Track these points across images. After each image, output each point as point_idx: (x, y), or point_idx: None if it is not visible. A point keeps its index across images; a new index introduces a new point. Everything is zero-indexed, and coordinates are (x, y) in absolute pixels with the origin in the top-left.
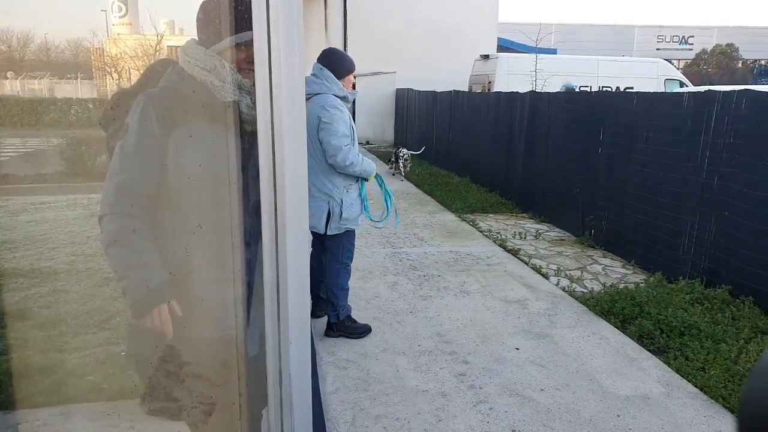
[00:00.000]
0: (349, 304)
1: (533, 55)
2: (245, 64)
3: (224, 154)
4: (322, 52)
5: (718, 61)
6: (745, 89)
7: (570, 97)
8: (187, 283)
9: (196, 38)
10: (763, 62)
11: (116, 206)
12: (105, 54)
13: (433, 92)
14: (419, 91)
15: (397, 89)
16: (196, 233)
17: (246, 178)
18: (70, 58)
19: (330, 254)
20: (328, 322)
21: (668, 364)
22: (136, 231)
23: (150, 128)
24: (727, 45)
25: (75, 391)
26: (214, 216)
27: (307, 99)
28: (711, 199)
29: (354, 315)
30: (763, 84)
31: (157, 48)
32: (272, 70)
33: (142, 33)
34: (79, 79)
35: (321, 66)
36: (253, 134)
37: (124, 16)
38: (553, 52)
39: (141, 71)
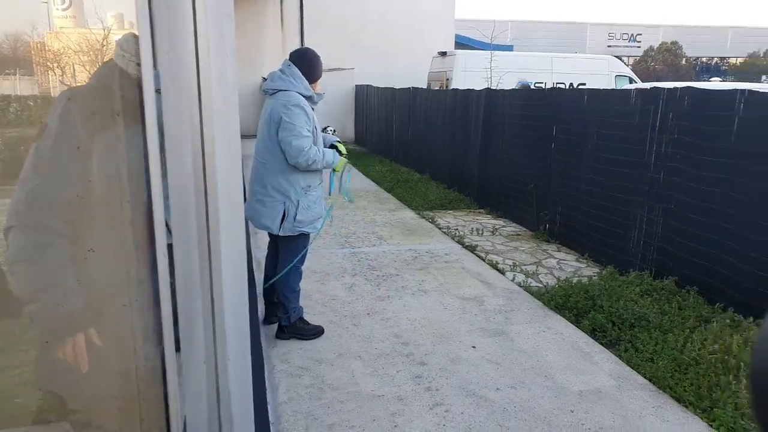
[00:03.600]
0: (301, 306)
1: (489, 52)
2: None
3: (117, 165)
4: (297, 50)
5: (664, 58)
6: (687, 86)
7: (524, 94)
8: (106, 308)
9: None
10: (704, 60)
11: (27, 217)
12: (46, 49)
13: (392, 89)
14: (378, 88)
15: (356, 85)
16: (130, 249)
17: (144, 191)
18: (9, 52)
19: (282, 255)
20: (279, 325)
21: (619, 356)
22: (49, 246)
23: (72, 130)
24: (672, 43)
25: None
26: (146, 230)
27: (270, 95)
28: (658, 193)
29: (310, 319)
30: (705, 80)
31: (104, 43)
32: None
33: (87, 27)
34: (18, 75)
35: (290, 63)
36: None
37: (67, 8)
38: (509, 48)
39: (87, 67)
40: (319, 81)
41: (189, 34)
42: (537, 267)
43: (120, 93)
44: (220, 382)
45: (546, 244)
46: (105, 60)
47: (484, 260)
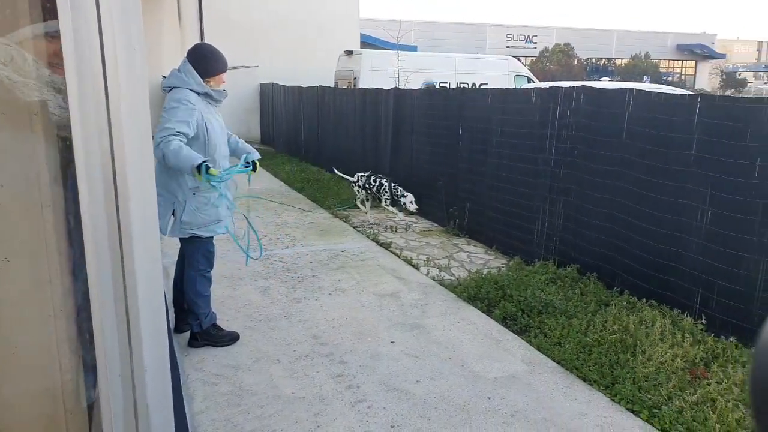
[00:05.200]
0: (214, 311)
1: (396, 52)
2: (58, 59)
3: (33, 168)
4: (192, 45)
5: (559, 58)
6: (582, 85)
7: (431, 93)
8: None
9: None
10: (593, 60)
11: None
12: None
13: (299, 87)
14: (284, 87)
15: (261, 84)
16: (1, 267)
17: (67, 195)
18: None
19: (186, 260)
20: (192, 333)
21: (530, 342)
22: None
23: None
24: (565, 44)
25: None
26: (25, 246)
27: (167, 92)
28: (558, 187)
29: (224, 325)
30: (596, 80)
31: None
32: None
33: None
34: None
35: (185, 60)
36: (70, 140)
37: None
38: (413, 48)
39: None
40: (221, 77)
41: (93, 26)
42: (449, 261)
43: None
44: (137, 394)
45: (456, 238)
46: None
47: (399, 257)
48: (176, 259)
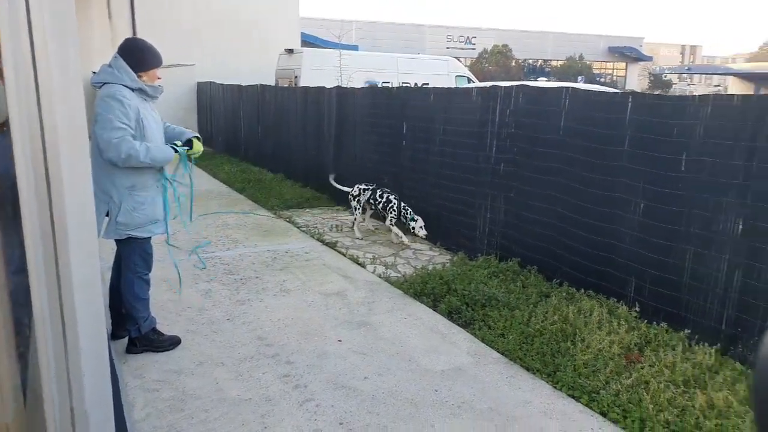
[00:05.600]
0: (153, 316)
1: (337, 51)
2: None
3: None
4: (124, 40)
5: (497, 59)
6: (521, 84)
7: (374, 92)
8: None
9: None
10: (530, 61)
11: None
12: None
13: (239, 86)
14: (223, 85)
15: (198, 82)
16: None
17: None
18: None
19: (123, 263)
20: (130, 338)
21: (474, 335)
22: None
23: None
24: (503, 46)
25: None
26: None
27: (99, 89)
28: (500, 183)
29: (165, 329)
30: (533, 80)
31: None
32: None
33: None
34: None
35: (116, 55)
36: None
37: None
38: (354, 48)
39: None
40: (155, 72)
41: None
42: (395, 258)
43: None
44: (75, 400)
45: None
46: None
47: (344, 255)
48: (112, 262)
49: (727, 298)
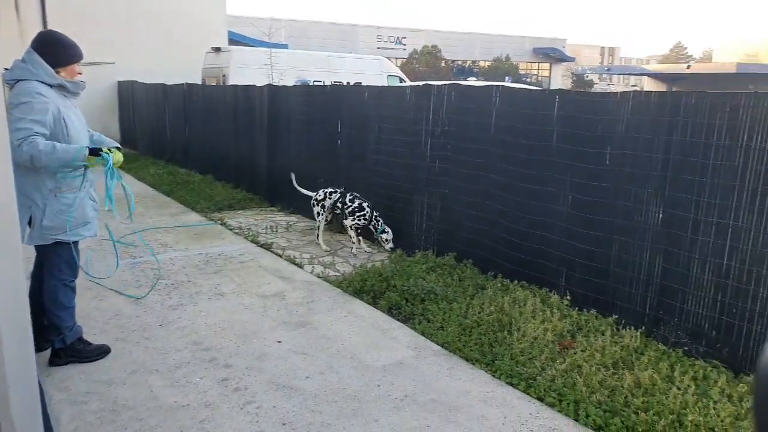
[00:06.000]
0: (79, 325)
1: (267, 49)
2: None
3: None
4: (37, 34)
5: (427, 60)
6: (453, 83)
7: (308, 90)
8: None
9: None
10: (459, 62)
11: None
12: None
13: (163, 85)
14: (146, 84)
15: (119, 81)
16: None
17: None
18: None
19: (45, 269)
20: (53, 350)
21: (414, 329)
22: None
23: None
24: (433, 46)
25: None
26: None
27: (11, 86)
28: (435, 180)
29: (92, 339)
30: (463, 80)
31: None
32: None
33: None
34: None
35: (31, 49)
36: None
37: None
38: (285, 47)
39: None
40: (74, 67)
41: None
42: (333, 257)
43: None
44: (0, 417)
45: (340, 235)
46: None
47: (281, 257)
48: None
49: (650, 283)
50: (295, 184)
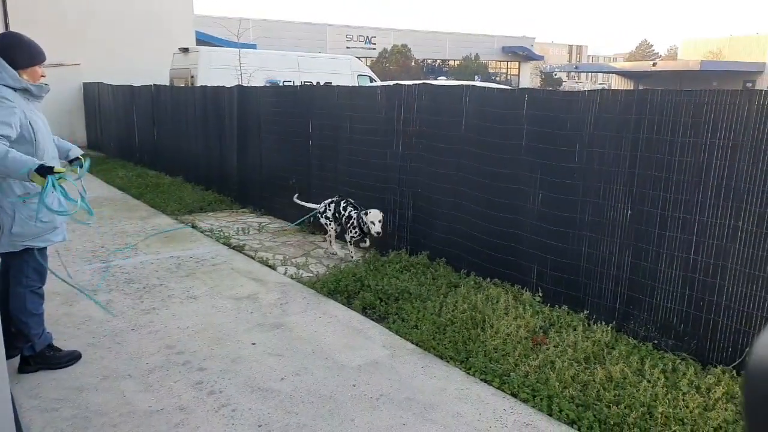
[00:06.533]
0: (48, 331)
1: (236, 50)
2: None
3: None
4: None
5: (397, 59)
6: (424, 83)
7: (278, 90)
8: None
9: None
10: (429, 61)
11: None
12: None
13: (130, 86)
14: (113, 86)
15: (84, 83)
16: None
17: None
18: None
19: (12, 276)
20: (22, 357)
21: (389, 328)
22: None
23: None
24: (403, 45)
25: None
26: None
27: None
28: (407, 180)
29: (62, 345)
30: (433, 79)
31: None
32: None
33: None
34: None
35: None
36: None
37: None
38: (253, 47)
39: None
40: (36, 70)
41: None
42: (306, 258)
43: None
44: None
45: (312, 236)
46: None
47: (253, 258)
48: None
49: (620, 279)
50: (296, 200)
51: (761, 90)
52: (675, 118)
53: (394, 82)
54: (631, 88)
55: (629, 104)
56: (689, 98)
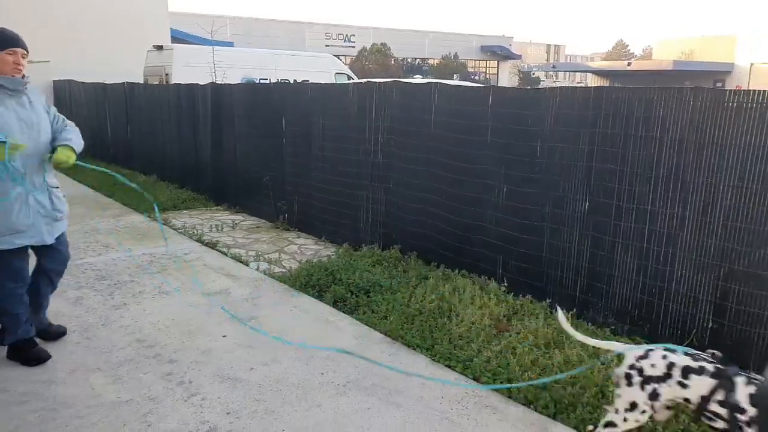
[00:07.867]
0: (31, 327)
1: (211, 47)
2: None
3: None
4: None
5: (376, 58)
6: (395, 80)
7: (251, 88)
8: None
9: None
10: (409, 60)
11: None
12: None
13: (103, 84)
14: (84, 83)
15: (54, 81)
16: None
17: None
18: None
19: None
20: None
21: (359, 319)
22: None
23: None
24: (382, 44)
25: None
26: None
27: None
28: (379, 176)
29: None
30: (410, 78)
31: None
32: None
33: None
34: None
35: None
36: None
37: None
38: (230, 44)
39: None
40: (6, 57)
41: None
42: (280, 254)
43: None
44: None
45: (286, 232)
46: None
47: (226, 255)
48: None
49: (580, 268)
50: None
51: (705, 87)
52: (629, 113)
53: (366, 80)
54: (589, 86)
55: (587, 100)
56: (641, 95)
